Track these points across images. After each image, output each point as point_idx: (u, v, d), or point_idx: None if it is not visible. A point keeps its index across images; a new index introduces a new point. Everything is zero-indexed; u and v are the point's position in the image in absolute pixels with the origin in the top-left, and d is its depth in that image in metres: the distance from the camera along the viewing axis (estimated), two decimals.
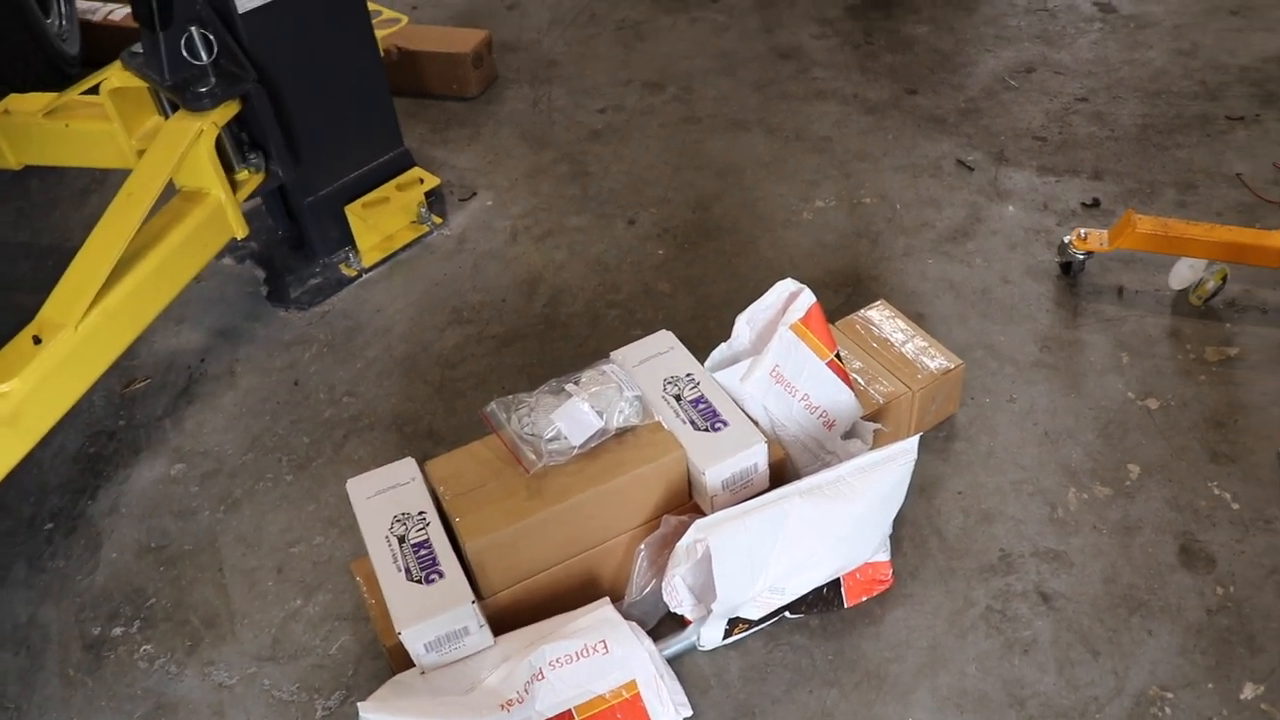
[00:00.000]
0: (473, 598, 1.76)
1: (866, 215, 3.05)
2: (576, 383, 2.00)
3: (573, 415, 1.92)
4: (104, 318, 2.28)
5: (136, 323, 2.40)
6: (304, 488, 2.39)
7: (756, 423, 2.00)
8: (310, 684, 2.02)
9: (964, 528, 2.18)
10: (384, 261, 3.01)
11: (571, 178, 3.32)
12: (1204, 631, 1.97)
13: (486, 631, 1.80)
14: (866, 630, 2.02)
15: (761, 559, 1.85)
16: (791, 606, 1.99)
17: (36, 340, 2.18)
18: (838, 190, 3.16)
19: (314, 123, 2.77)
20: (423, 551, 1.83)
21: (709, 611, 1.89)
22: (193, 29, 2.45)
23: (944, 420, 2.40)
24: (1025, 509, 2.20)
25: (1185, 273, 2.62)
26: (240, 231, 2.65)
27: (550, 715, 1.80)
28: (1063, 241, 2.72)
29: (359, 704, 1.73)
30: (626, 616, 1.87)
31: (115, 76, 2.65)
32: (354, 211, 2.93)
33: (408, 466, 1.99)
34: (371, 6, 2.89)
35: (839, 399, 2.11)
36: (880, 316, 2.43)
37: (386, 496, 1.93)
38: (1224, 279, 2.59)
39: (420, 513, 1.89)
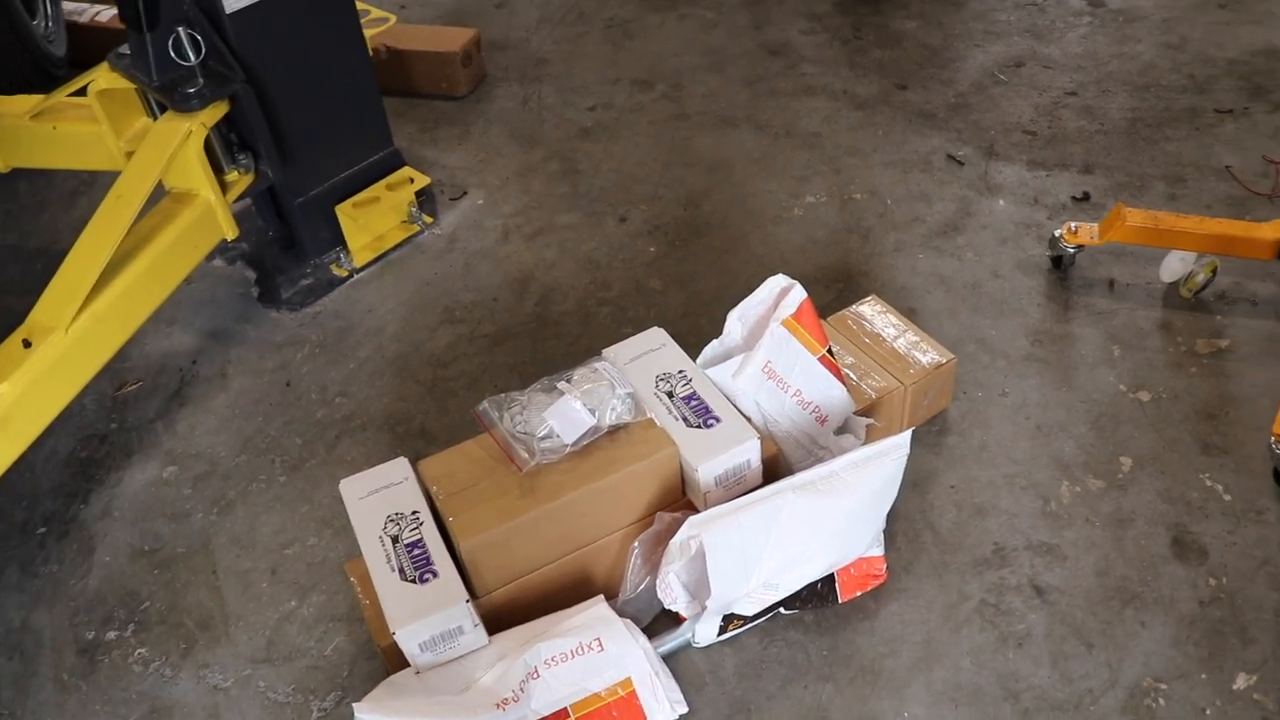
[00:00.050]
0: (467, 597, 1.76)
1: (857, 211, 3.05)
2: (568, 380, 2.00)
3: (565, 413, 1.92)
4: (94, 321, 2.27)
5: (127, 325, 2.39)
6: (297, 489, 2.39)
7: (749, 419, 2.01)
8: (305, 685, 2.02)
9: (957, 522, 2.18)
10: (375, 261, 3.01)
11: (562, 176, 3.31)
12: (1197, 623, 1.97)
13: (481, 631, 1.80)
14: (861, 625, 2.02)
15: (755, 555, 1.85)
16: (786, 602, 1.99)
17: (26, 344, 2.17)
18: (828, 186, 3.16)
19: (303, 123, 2.76)
20: (416, 551, 1.83)
21: (703, 608, 1.89)
22: (180, 30, 2.43)
23: (936, 415, 2.40)
24: (1018, 502, 2.21)
25: (1176, 265, 2.63)
26: (230, 233, 2.64)
27: (546, 714, 1.80)
28: (1053, 235, 2.73)
29: (354, 705, 1.73)
30: (621, 614, 1.87)
31: (103, 78, 2.63)
32: (344, 211, 2.92)
33: (400, 466, 1.99)
34: (360, 5, 2.88)
35: (831, 394, 2.11)
36: (872, 312, 2.43)
37: (380, 496, 1.93)
38: (1214, 271, 2.60)
39: (413, 512, 1.89)
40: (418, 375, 2.65)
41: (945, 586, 2.07)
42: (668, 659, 1.94)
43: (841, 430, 2.14)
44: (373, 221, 2.98)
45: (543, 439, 1.90)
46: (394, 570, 1.80)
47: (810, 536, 1.89)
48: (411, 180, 3.02)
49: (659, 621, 2.00)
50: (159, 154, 2.45)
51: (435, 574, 1.79)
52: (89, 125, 2.72)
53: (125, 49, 2.60)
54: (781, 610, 2.01)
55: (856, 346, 2.34)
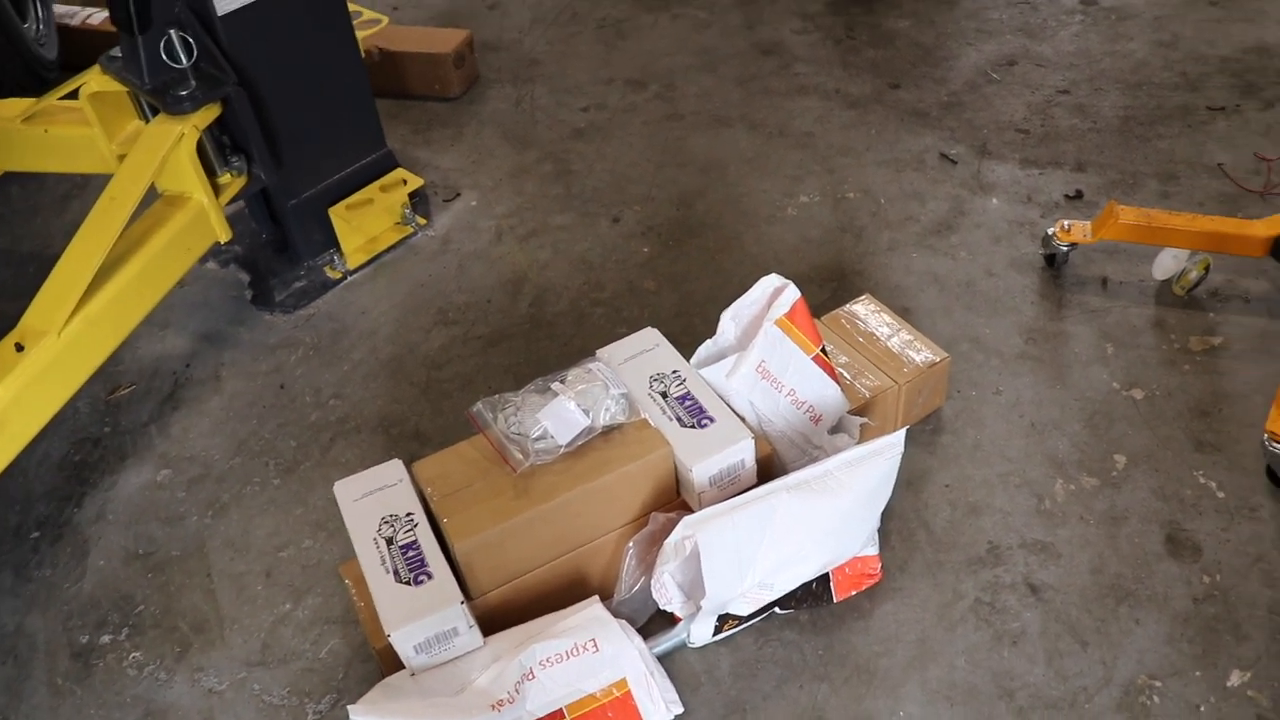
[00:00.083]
0: (461, 598, 1.76)
1: (850, 210, 3.06)
2: (562, 381, 2.00)
3: (559, 414, 1.92)
4: (87, 324, 2.27)
5: (120, 329, 2.39)
6: (291, 491, 2.39)
7: (743, 419, 2.00)
8: (300, 688, 2.01)
9: (952, 520, 2.19)
10: (368, 263, 3.01)
11: (555, 177, 3.31)
12: (1191, 620, 1.98)
13: (476, 632, 1.80)
14: (856, 624, 2.02)
15: (750, 555, 1.85)
16: (781, 602, 1.99)
17: (19, 347, 2.16)
18: (821, 185, 3.17)
19: (296, 125, 2.76)
20: (411, 553, 1.82)
21: (698, 608, 1.89)
22: (172, 32, 2.43)
23: (930, 413, 2.41)
24: (1012, 501, 2.21)
25: (1168, 263, 2.63)
26: (223, 235, 2.64)
27: (541, 715, 1.80)
28: (1046, 233, 2.73)
29: (349, 707, 1.72)
30: (616, 615, 1.87)
31: (94, 81, 2.63)
32: (338, 214, 2.92)
33: (395, 468, 1.98)
34: (352, 7, 2.88)
35: (825, 394, 2.11)
36: (865, 311, 2.43)
37: (374, 498, 1.93)
38: (1207, 269, 2.60)
39: (408, 514, 1.89)
40: (412, 377, 2.64)
41: (940, 585, 2.07)
42: (663, 659, 1.94)
43: (836, 429, 2.14)
44: (366, 223, 2.98)
45: (537, 440, 1.90)
46: (389, 572, 1.80)
47: (805, 536, 1.90)
48: (405, 182, 3.02)
49: (654, 622, 2.00)
50: (151, 157, 2.45)
51: (430, 576, 1.79)
52: (81, 128, 2.72)
53: (117, 52, 2.60)
54: (776, 610, 2.01)
55: (850, 346, 2.34)
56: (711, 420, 1.96)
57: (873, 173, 3.20)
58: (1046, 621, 1.99)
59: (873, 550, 2.05)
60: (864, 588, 2.06)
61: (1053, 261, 2.75)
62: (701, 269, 2.90)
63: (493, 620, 1.87)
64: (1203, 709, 1.84)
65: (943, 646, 1.97)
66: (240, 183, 2.70)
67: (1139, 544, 2.11)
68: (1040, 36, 3.81)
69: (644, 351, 2.12)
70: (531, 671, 1.77)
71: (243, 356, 2.75)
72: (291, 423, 2.55)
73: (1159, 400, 2.40)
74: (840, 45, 3.88)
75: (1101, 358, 2.51)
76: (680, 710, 1.88)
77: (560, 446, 1.90)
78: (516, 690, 1.76)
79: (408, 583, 1.78)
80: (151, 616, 2.17)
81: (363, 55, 2.92)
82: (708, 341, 2.18)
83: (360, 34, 2.91)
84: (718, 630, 1.97)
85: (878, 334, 2.36)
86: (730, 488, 1.96)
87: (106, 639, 2.13)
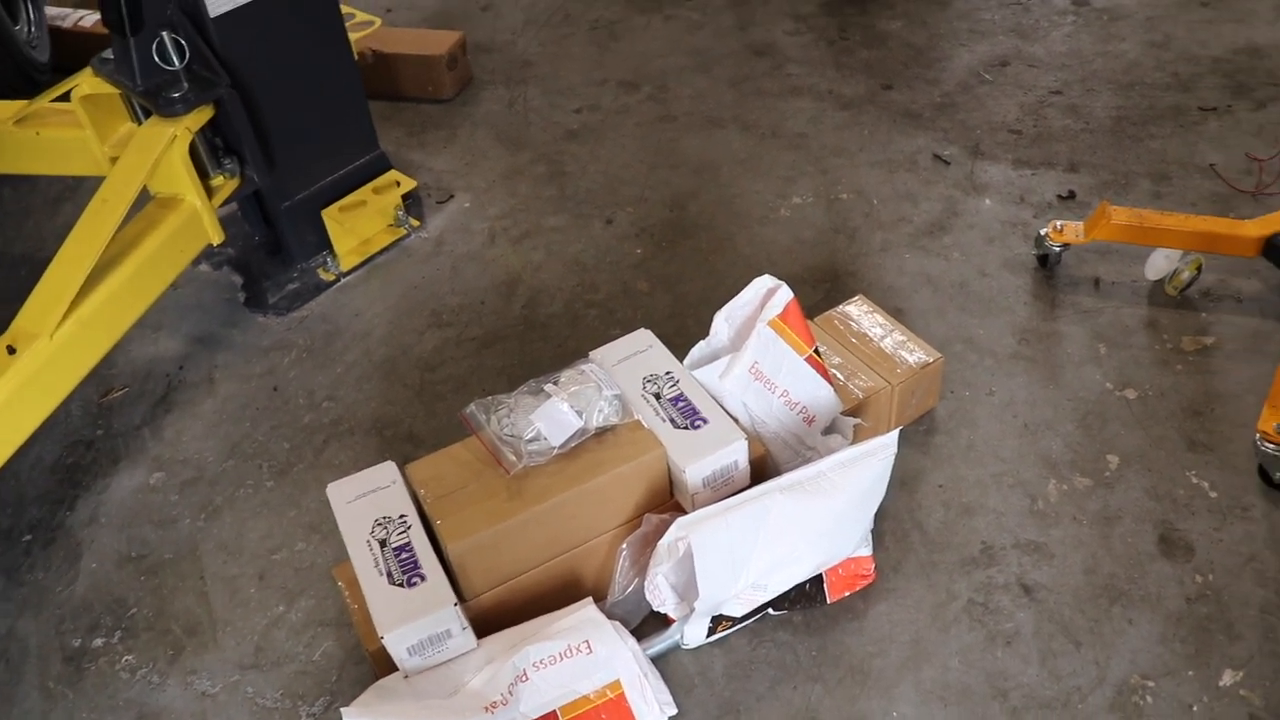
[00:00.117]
0: (455, 600, 1.75)
1: (843, 211, 3.06)
2: (555, 383, 2.00)
3: (552, 415, 1.92)
4: (79, 326, 2.26)
5: (113, 331, 2.38)
6: (285, 494, 2.38)
7: (736, 420, 2.01)
8: (294, 691, 2.01)
9: (945, 521, 2.19)
10: (362, 265, 3.00)
11: (548, 178, 3.31)
12: (1184, 620, 1.98)
13: (469, 634, 1.80)
14: (849, 625, 2.02)
15: (743, 556, 1.85)
16: (774, 603, 1.99)
17: (11, 350, 2.16)
18: (814, 186, 3.17)
19: (289, 127, 2.76)
20: (404, 555, 1.82)
21: (692, 610, 1.89)
22: (164, 34, 2.43)
23: (924, 414, 2.41)
24: (1006, 501, 2.22)
25: (1161, 263, 2.64)
26: (216, 237, 2.64)
27: (534, 716, 1.79)
28: (1039, 234, 2.73)
29: (343, 709, 1.72)
30: (609, 616, 1.87)
31: (86, 83, 2.63)
32: (331, 215, 2.92)
33: (388, 470, 1.98)
34: (345, 9, 2.88)
35: (818, 394, 2.11)
36: (858, 311, 2.43)
37: (367, 500, 1.92)
38: (1199, 269, 2.61)
39: (401, 516, 1.89)
40: (405, 379, 2.64)
41: (933, 586, 2.07)
42: (657, 661, 1.93)
43: (829, 430, 2.15)
44: (359, 225, 2.97)
45: (530, 441, 1.90)
46: (382, 574, 1.80)
47: (798, 537, 1.90)
48: (398, 184, 3.02)
49: (648, 623, 2.00)
50: (144, 159, 2.45)
51: (423, 577, 1.79)
52: (73, 131, 2.71)
53: (109, 53, 2.60)
54: (770, 611, 2.01)
55: (843, 346, 2.34)
56: (705, 421, 1.96)
57: (866, 173, 3.20)
58: (1040, 622, 2.00)
59: (866, 551, 2.06)
60: (858, 588, 2.06)
61: (1045, 262, 2.76)
62: (695, 270, 2.90)
63: (486, 622, 1.87)
64: (1195, 709, 1.85)
65: (936, 647, 1.97)
66: (233, 185, 2.69)
67: (1132, 544, 2.11)
68: (1032, 37, 3.81)
69: (637, 353, 2.12)
70: (525, 673, 1.77)
71: (236, 359, 2.75)
72: (285, 425, 2.55)
73: (1151, 400, 2.40)
74: (833, 46, 3.88)
75: (1094, 358, 2.52)
76: (674, 711, 1.88)
77: (553, 448, 1.90)
78: (510, 692, 1.76)
79: (401, 585, 1.78)
80: (144, 619, 2.16)
81: (356, 57, 2.91)
82: (701, 343, 2.18)
83: (353, 36, 2.91)
84: (711, 631, 1.97)
85: (871, 335, 2.37)
86: (724, 489, 1.96)
87: (99, 642, 2.13)
